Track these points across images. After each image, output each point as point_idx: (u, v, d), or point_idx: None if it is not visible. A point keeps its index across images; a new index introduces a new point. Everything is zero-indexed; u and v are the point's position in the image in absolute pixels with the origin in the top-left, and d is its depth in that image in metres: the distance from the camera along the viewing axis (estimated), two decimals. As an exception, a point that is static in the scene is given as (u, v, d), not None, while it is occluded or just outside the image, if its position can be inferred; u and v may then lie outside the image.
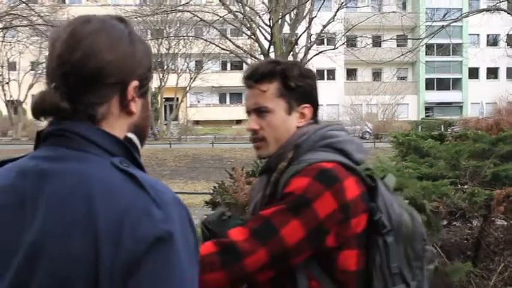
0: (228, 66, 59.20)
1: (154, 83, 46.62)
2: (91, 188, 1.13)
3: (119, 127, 1.26)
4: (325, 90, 55.01)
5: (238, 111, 58.80)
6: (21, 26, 32.58)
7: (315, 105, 2.15)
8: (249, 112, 2.13)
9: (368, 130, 46.39)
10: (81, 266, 1.09)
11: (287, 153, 1.97)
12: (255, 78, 2.10)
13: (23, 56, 42.90)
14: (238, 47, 25.45)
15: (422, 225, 2.04)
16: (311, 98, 2.14)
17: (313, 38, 27.26)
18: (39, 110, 1.21)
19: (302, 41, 27.29)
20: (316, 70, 52.78)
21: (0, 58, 44.77)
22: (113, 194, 1.13)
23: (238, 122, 58.66)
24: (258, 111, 2.07)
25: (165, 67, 47.66)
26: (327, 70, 57.12)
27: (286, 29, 22.79)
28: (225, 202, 4.93)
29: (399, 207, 1.98)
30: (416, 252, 1.97)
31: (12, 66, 46.11)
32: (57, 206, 1.13)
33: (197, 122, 55.17)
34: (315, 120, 2.13)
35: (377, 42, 37.55)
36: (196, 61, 50.39)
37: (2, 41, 39.70)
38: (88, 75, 1.21)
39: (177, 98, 49.39)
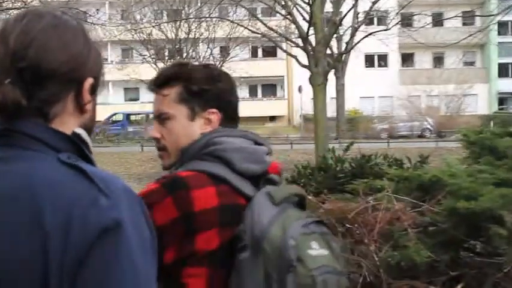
0: (259, 52, 59.25)
1: (172, 74, 46.95)
2: (35, 186, 1.27)
3: (71, 125, 1.41)
4: (375, 79, 54.88)
5: (272, 106, 58.87)
6: (13, 8, 33.16)
7: (225, 110, 2.21)
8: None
9: (428, 127, 46.03)
10: (29, 267, 1.22)
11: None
12: (157, 82, 2.23)
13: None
14: (271, 29, 25.48)
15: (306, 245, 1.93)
16: (220, 102, 2.20)
17: (360, 17, 27.19)
18: (9, 110, 1.33)
19: (348, 21, 27.22)
20: (365, 55, 52.80)
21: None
22: (59, 189, 1.27)
23: (273, 118, 58.72)
24: (159, 118, 2.21)
25: (185, 55, 47.94)
26: (378, 55, 56.84)
27: (328, 7, 22.74)
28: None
29: (272, 221, 1.94)
30: (280, 276, 1.89)
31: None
32: (1, 206, 1.27)
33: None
34: (232, 126, 2.23)
35: (438, 20, 37.28)
36: (221, 47, 50.57)
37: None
38: (44, 72, 1.35)
39: (200, 92, 49.69)
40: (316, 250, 1.93)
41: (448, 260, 4.23)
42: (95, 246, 1.22)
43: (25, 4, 29.94)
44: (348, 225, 4.38)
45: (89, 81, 1.43)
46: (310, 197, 4.76)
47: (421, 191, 4.86)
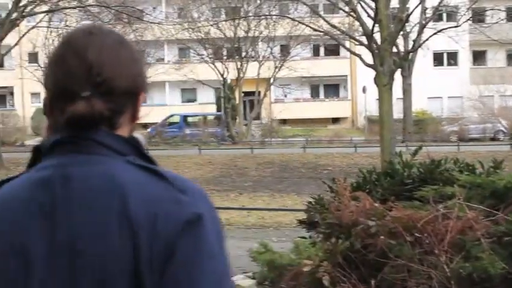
0: (322, 51, 59.09)
1: (231, 74, 47.17)
2: (118, 186, 1.47)
3: (127, 132, 1.60)
4: (444, 79, 54.13)
5: (335, 107, 58.61)
6: (69, 7, 33.79)
7: None
8: None
9: (502, 129, 45.25)
10: (121, 261, 1.42)
11: None
12: None
13: (72, 45, 44.32)
14: (334, 26, 25.40)
15: None
16: None
17: (428, 13, 26.91)
18: (88, 119, 1.50)
19: (415, 18, 26.97)
20: (434, 54, 52.16)
21: (47, 48, 46.35)
22: (141, 188, 1.47)
23: (336, 120, 58.48)
24: None
25: (244, 54, 48.12)
26: (447, 53, 56.07)
27: (394, 3, 22.56)
28: (326, 222, 4.91)
29: None
30: None
31: (60, 56, 47.63)
32: (89, 207, 1.46)
33: (284, 121, 55.38)
34: None
35: (512, 16, 36.62)
36: (281, 46, 50.63)
37: (48, 27, 41.21)
38: (116, 87, 1.54)
39: (259, 92, 49.75)
40: None
41: (524, 272, 4.16)
42: (181, 237, 1.44)
43: (81, 3, 30.52)
44: (417, 234, 4.34)
45: (143, 94, 1.63)
46: (376, 204, 4.74)
47: (495, 198, 4.79)
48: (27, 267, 1.45)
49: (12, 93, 61.36)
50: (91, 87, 1.50)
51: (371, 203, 4.69)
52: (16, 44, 35.58)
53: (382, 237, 4.37)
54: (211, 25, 39.87)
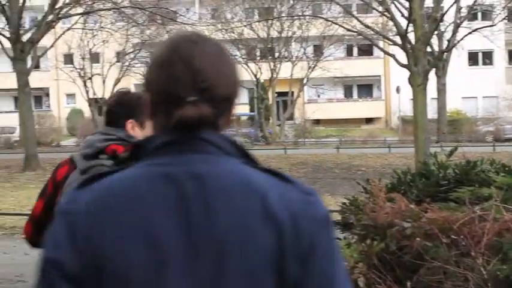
0: (355, 51, 58.92)
1: (264, 74, 47.22)
2: (256, 186, 1.57)
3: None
4: (479, 78, 53.67)
5: (368, 107, 58.42)
6: (104, 9, 34.05)
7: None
8: None
9: (539, 129, 44.75)
10: (269, 255, 1.53)
11: None
12: None
13: (107, 46, 44.57)
14: (367, 26, 25.31)
15: None
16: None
17: (463, 12, 26.69)
18: (196, 122, 1.59)
19: (449, 17, 26.76)
20: (469, 53, 51.72)
21: (82, 49, 46.71)
22: (275, 189, 1.59)
23: (369, 120, 58.26)
24: None
25: (277, 54, 48.14)
26: (483, 53, 55.59)
27: (428, 2, 22.41)
28: (361, 224, 4.88)
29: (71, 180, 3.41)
30: None
31: (95, 58, 47.95)
32: (232, 204, 1.55)
33: (317, 122, 55.35)
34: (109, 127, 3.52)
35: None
36: (314, 46, 50.58)
37: (83, 29, 41.55)
38: (219, 93, 1.63)
39: (292, 93, 49.76)
40: None
41: (562, 275, 4.10)
42: (318, 233, 1.59)
43: (115, 5, 30.74)
44: (453, 236, 4.30)
45: (236, 99, 1.73)
46: (412, 206, 4.71)
47: (532, 200, 4.73)
48: (160, 264, 1.51)
49: (47, 94, 61.98)
50: (196, 92, 1.60)
51: (406, 204, 4.66)
52: (52, 46, 35.96)
53: (417, 239, 4.34)
54: (245, 26, 39.96)
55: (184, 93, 1.59)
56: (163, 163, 1.58)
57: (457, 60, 44.41)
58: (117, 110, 3.43)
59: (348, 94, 61.34)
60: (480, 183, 5.48)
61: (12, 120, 48.22)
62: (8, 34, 29.05)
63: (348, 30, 27.17)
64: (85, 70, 47.11)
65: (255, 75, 47.17)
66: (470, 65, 56.08)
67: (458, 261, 4.21)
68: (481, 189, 5.11)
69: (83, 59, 46.84)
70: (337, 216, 6.20)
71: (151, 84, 1.67)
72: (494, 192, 4.76)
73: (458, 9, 27.14)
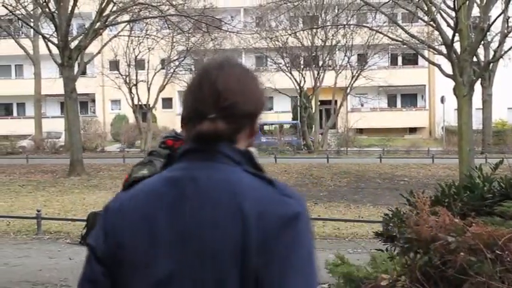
0: (399, 60, 58.58)
1: (307, 83, 47.16)
2: (236, 188, 1.85)
3: (243, 145, 1.98)
4: (528, 90, 52.98)
5: (412, 117, 58.01)
6: (150, 17, 34.35)
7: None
8: None
9: None
10: (233, 246, 1.78)
11: None
12: None
13: (152, 53, 44.94)
14: (412, 36, 25.15)
15: None
16: None
17: (511, 22, 26.34)
18: (213, 137, 1.89)
19: (497, 27, 26.49)
20: (515, 64, 51.00)
21: (127, 56, 47.14)
22: (254, 191, 1.85)
23: (413, 130, 57.84)
24: None
25: (321, 63, 48.05)
26: (530, 63, 54.83)
27: (475, 12, 22.18)
28: (404, 237, 4.84)
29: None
30: None
31: (140, 64, 48.30)
32: (213, 201, 1.84)
33: (360, 131, 55.09)
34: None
35: None
36: (358, 55, 50.34)
37: (129, 36, 41.93)
38: (239, 111, 1.91)
39: (336, 101, 49.58)
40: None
41: None
42: (283, 229, 1.80)
43: (162, 13, 30.98)
44: (498, 252, 4.24)
45: (260, 115, 2.00)
46: (456, 220, 4.66)
47: None
48: (153, 248, 1.85)
49: (93, 100, 62.70)
50: (217, 110, 1.88)
51: (451, 219, 4.61)
52: (98, 53, 36.41)
53: (462, 253, 4.29)
54: (289, 34, 39.93)
55: (207, 110, 1.90)
56: (177, 168, 1.94)
57: (504, 70, 43.84)
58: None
59: (392, 103, 61.01)
60: (526, 198, 5.41)
61: (59, 125, 48.89)
62: (56, 41, 29.45)
63: (393, 39, 27.03)
64: (130, 77, 47.49)
65: (299, 84, 47.15)
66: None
67: (503, 277, 4.15)
68: (527, 204, 5.04)
69: (129, 65, 47.23)
70: (379, 228, 6.16)
71: (185, 104, 1.98)
72: (540, 207, 4.68)
73: (506, 19, 26.81)
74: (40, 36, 33.76)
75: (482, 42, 23.92)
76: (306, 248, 1.83)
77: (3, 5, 30.19)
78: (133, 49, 46.36)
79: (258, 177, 1.90)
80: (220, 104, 1.89)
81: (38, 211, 16.24)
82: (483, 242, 4.26)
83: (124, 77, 47.36)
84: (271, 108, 57.13)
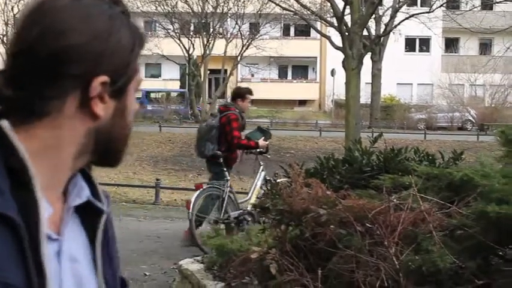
0: (291, 31, 59.06)
1: (197, 51, 46.92)
2: None
3: (71, 129, 1.23)
4: (415, 65, 54.41)
5: (302, 89, 58.72)
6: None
7: None
8: None
9: (470, 118, 45.72)
10: None
11: None
12: None
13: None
14: (304, 6, 25.33)
15: None
16: None
17: (402, -4, 26.93)
18: None
19: (388, 1, 27.02)
20: (406, 39, 52.37)
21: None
22: None
23: (302, 102, 58.57)
24: None
25: (211, 30, 47.86)
26: (420, 39, 56.37)
27: (367, -15, 22.49)
28: (276, 209, 4.87)
29: None
30: None
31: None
32: None
33: (250, 102, 55.20)
34: None
35: (487, 4, 36.86)
36: (250, 24, 50.45)
37: None
38: (43, 59, 1.19)
39: (225, 70, 49.56)
40: None
41: (475, 267, 4.16)
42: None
43: None
44: (368, 225, 4.33)
45: (102, 78, 1.23)
46: (328, 192, 4.72)
47: (450, 190, 4.79)
48: None
49: None
50: (9, 58, 1.24)
51: (323, 191, 4.66)
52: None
53: (332, 226, 4.35)
54: (179, -1, 39.60)
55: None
56: None
57: (394, 45, 44.87)
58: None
59: (282, 75, 61.55)
60: (402, 172, 5.54)
61: None
62: None
63: (285, 9, 27.16)
64: None
65: (188, 51, 46.83)
66: (406, 51, 56.83)
67: (372, 251, 4.24)
68: (401, 178, 5.16)
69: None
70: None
71: None
72: (413, 181, 4.79)
73: (397, -6, 27.43)
74: None
75: (373, 16, 24.34)
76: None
77: None
78: None
79: None
80: (14, 47, 1.20)
81: None
82: (354, 215, 4.34)
83: None
84: (158, 76, 56.64)
